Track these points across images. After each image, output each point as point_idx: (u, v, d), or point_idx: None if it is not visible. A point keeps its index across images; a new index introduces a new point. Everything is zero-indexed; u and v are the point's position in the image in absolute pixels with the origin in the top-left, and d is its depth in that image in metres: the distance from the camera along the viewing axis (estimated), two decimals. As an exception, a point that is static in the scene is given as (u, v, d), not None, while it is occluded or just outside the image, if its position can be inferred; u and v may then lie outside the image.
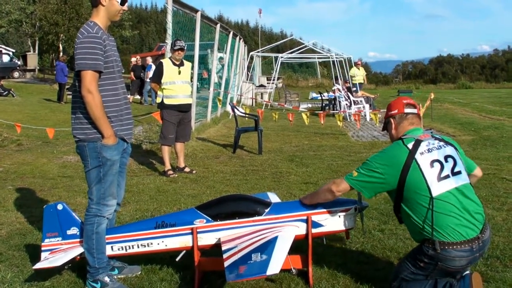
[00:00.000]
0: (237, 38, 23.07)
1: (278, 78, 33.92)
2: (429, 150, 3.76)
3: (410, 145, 3.78)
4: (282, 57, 30.04)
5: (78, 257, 4.48)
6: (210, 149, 12.12)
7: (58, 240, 4.53)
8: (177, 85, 9.15)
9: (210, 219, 4.41)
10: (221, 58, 20.63)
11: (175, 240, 4.44)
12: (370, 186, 3.87)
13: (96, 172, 4.25)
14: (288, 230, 4.21)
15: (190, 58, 12.93)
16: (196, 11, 14.26)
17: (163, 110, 9.25)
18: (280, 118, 14.58)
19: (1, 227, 6.18)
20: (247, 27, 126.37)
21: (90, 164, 4.24)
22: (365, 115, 18.99)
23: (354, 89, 22.98)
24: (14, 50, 49.50)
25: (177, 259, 4.47)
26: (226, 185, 8.39)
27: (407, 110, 4.06)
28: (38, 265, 4.39)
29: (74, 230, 4.54)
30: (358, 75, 25.22)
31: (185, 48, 9.33)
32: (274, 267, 3.56)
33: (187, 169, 9.52)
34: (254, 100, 26.64)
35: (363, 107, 19.85)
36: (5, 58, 42.55)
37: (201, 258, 4.44)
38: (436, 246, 3.60)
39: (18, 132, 12.84)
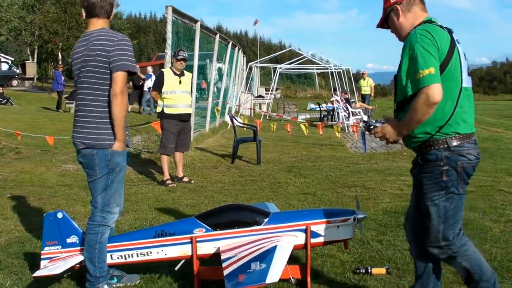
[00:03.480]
0: (236, 49, 23.15)
1: (277, 89, 34.00)
2: (458, 42, 3.53)
3: (445, 29, 3.49)
4: (280, 68, 30.06)
5: (78, 265, 4.49)
6: (208, 159, 12.15)
7: (57, 248, 4.54)
8: (178, 94, 9.19)
9: (209, 228, 4.43)
10: (220, 69, 20.69)
11: (174, 249, 4.46)
12: (438, 67, 3.35)
13: (104, 181, 4.26)
14: (287, 239, 4.24)
15: (189, 68, 12.97)
16: (195, 21, 14.33)
17: (163, 119, 9.28)
18: (278, 129, 14.61)
19: (0, 235, 6.18)
20: (246, 38, 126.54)
21: (99, 172, 4.24)
22: (363, 126, 19.00)
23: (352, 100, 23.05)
24: (13, 59, 49.47)
25: (176, 268, 4.49)
26: (224, 195, 8.41)
27: None
28: (37, 273, 4.40)
29: (73, 239, 4.55)
30: (363, 85, 25.35)
31: (188, 58, 9.40)
32: (273, 276, 3.59)
33: (185, 179, 9.53)
34: (252, 110, 26.66)
35: (362, 118, 19.89)
36: (4, 67, 42.54)
37: (200, 267, 4.46)
38: (448, 143, 3.41)
39: (19, 139, 12.87)
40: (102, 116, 4.22)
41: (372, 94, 26.39)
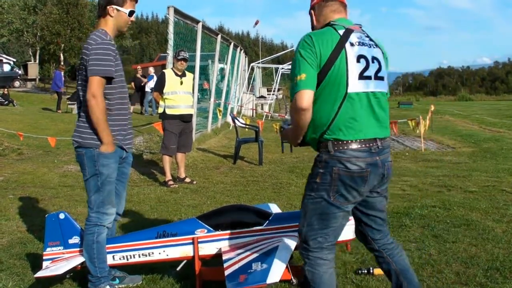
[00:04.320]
0: (238, 49, 23.15)
1: (279, 89, 34.02)
2: (359, 43, 3.35)
3: (340, 32, 3.34)
4: (282, 68, 30.11)
5: (80, 266, 4.49)
6: (210, 160, 12.15)
7: (59, 249, 4.55)
8: (179, 95, 9.20)
9: (211, 229, 4.43)
10: (222, 69, 20.70)
11: (176, 250, 4.46)
12: (313, 74, 3.26)
13: (94, 181, 4.27)
14: (288, 240, 4.23)
15: (191, 69, 12.97)
16: (197, 22, 14.32)
17: (165, 120, 9.29)
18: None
19: (2, 236, 6.19)
20: (248, 38, 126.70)
21: (88, 172, 4.28)
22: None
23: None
24: (15, 60, 49.52)
25: (178, 268, 4.49)
26: (226, 195, 8.41)
27: None
28: (39, 274, 4.40)
29: (75, 239, 4.56)
30: None
31: (188, 58, 9.40)
32: (274, 276, 3.59)
33: (187, 180, 9.54)
34: (254, 111, 26.68)
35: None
36: (6, 68, 42.59)
37: (202, 267, 4.46)
38: (329, 148, 3.31)
39: (21, 140, 12.89)
40: (88, 116, 4.24)
41: None
